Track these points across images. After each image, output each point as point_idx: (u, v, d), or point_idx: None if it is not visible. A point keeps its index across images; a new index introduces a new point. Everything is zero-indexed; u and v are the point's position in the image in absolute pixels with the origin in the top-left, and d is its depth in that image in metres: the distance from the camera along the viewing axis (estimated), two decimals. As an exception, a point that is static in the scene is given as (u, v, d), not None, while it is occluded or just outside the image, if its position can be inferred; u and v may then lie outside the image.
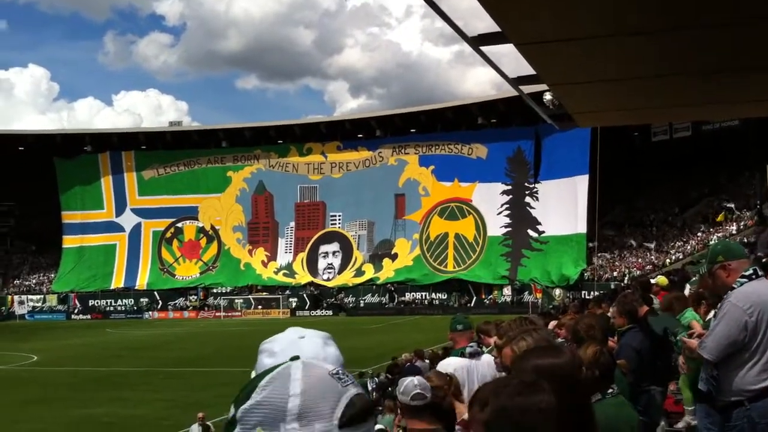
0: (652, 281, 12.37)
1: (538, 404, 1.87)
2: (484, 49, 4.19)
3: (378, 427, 8.52)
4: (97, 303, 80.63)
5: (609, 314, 9.03)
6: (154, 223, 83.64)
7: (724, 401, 4.69)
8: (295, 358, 1.33)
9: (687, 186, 68.84)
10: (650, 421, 7.32)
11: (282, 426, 1.22)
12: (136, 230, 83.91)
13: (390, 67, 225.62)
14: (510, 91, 7.99)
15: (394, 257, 75.39)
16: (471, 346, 6.15)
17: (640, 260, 63.91)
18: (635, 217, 71.39)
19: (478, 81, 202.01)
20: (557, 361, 2.35)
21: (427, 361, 17.96)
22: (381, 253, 76.47)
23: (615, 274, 62.36)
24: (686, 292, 12.87)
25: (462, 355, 6.15)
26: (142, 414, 24.76)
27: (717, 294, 5.18)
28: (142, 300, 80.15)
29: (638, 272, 56.92)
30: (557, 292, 63.43)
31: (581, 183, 64.21)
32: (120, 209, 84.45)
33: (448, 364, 5.82)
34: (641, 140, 70.02)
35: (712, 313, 6.37)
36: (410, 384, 4.21)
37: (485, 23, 3.68)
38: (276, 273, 78.55)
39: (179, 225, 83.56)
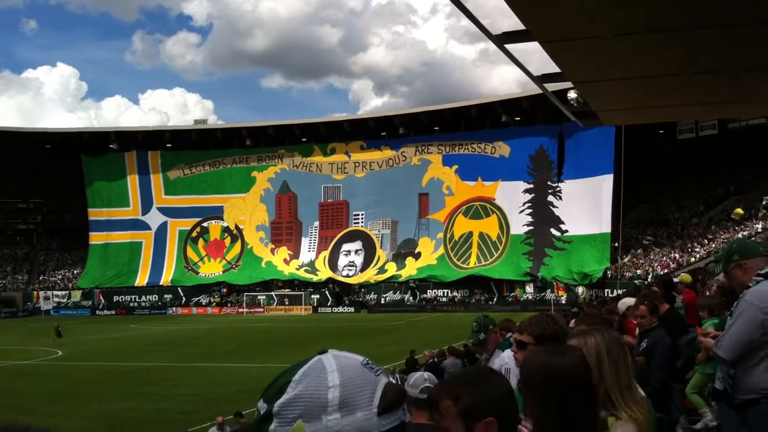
0: (676, 279, 12.25)
1: (509, 388, 1.98)
2: (508, 47, 4.20)
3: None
4: (122, 299, 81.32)
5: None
6: (180, 222, 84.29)
7: (741, 399, 4.67)
8: (323, 351, 1.34)
9: (712, 184, 68.23)
10: (670, 419, 7.28)
11: (323, 417, 1.24)
12: (163, 229, 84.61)
13: (415, 66, 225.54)
14: (535, 89, 8.01)
15: (417, 256, 75.27)
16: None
17: (664, 258, 63.43)
18: (660, 215, 70.87)
19: (503, 79, 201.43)
20: (567, 361, 2.34)
21: (458, 359, 17.72)
22: (404, 252, 76.40)
23: (639, 272, 61.85)
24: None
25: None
26: (165, 409, 24.94)
27: (733, 293, 5.14)
28: (166, 296, 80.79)
29: (662, 271, 56.45)
30: (581, 290, 63.04)
31: (606, 182, 63.56)
32: (146, 208, 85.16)
33: (507, 357, 5.76)
34: (666, 138, 69.32)
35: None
36: (419, 378, 4.30)
37: (510, 21, 3.70)
38: (297, 270, 78.71)
39: (205, 225, 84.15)
